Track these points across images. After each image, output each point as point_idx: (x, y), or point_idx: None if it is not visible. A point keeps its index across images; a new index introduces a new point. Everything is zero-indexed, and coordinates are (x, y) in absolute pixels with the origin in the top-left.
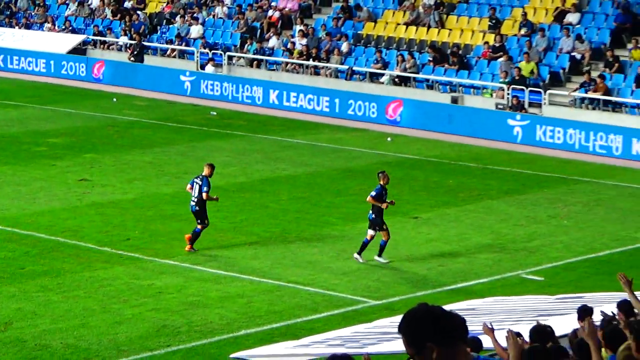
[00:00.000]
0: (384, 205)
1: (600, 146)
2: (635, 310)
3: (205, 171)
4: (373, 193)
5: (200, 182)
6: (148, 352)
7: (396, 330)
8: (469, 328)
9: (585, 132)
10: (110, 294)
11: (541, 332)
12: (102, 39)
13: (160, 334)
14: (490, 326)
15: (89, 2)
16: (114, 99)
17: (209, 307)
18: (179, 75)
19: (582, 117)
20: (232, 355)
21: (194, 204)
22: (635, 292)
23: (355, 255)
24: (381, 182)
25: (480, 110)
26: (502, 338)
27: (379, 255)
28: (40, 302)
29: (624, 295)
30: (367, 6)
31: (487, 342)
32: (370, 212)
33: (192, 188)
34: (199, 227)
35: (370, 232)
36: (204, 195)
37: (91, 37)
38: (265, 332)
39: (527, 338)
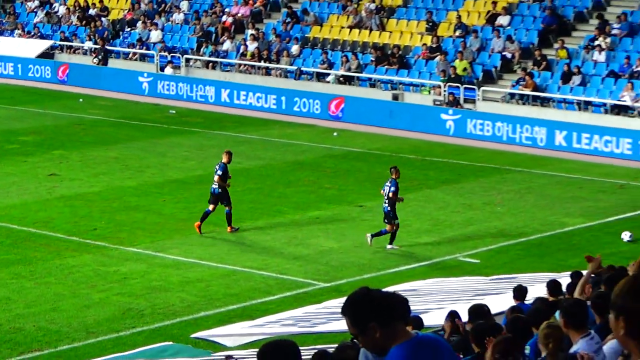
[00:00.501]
0: (400, 199)
1: (526, 137)
2: (564, 289)
3: (224, 158)
4: (394, 189)
5: (217, 168)
6: (114, 333)
7: None
8: (412, 307)
9: (512, 124)
10: (79, 280)
11: (479, 311)
12: (69, 44)
13: (125, 317)
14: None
15: (56, 10)
16: (80, 100)
17: (171, 291)
18: (138, 76)
19: (513, 112)
20: (192, 335)
21: (215, 186)
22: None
23: (368, 237)
24: (394, 177)
25: (418, 106)
26: (440, 317)
27: (372, 237)
28: (13, 288)
29: (552, 275)
30: (313, 11)
31: (427, 320)
32: (386, 205)
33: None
34: (227, 208)
35: (389, 226)
36: (216, 177)
37: (58, 42)
38: (223, 313)
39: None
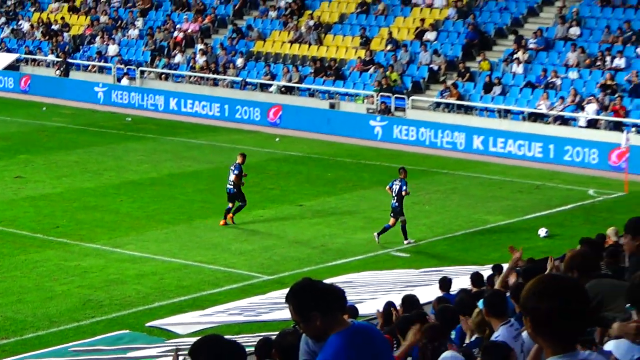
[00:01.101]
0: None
1: (446, 142)
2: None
3: (239, 159)
4: (405, 187)
5: (233, 169)
6: (75, 322)
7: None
8: (348, 298)
9: (434, 130)
10: (42, 274)
11: (411, 300)
12: (33, 57)
13: (85, 307)
14: None
15: (21, 26)
16: (44, 108)
17: (127, 284)
18: (94, 87)
19: (440, 119)
20: (147, 324)
21: (230, 186)
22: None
23: (375, 236)
24: (402, 176)
25: (351, 114)
26: (374, 306)
27: (378, 235)
28: None
29: (476, 268)
30: (257, 27)
31: (362, 309)
32: (394, 201)
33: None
34: (241, 204)
35: (393, 220)
36: (234, 177)
37: (23, 55)
38: (175, 304)
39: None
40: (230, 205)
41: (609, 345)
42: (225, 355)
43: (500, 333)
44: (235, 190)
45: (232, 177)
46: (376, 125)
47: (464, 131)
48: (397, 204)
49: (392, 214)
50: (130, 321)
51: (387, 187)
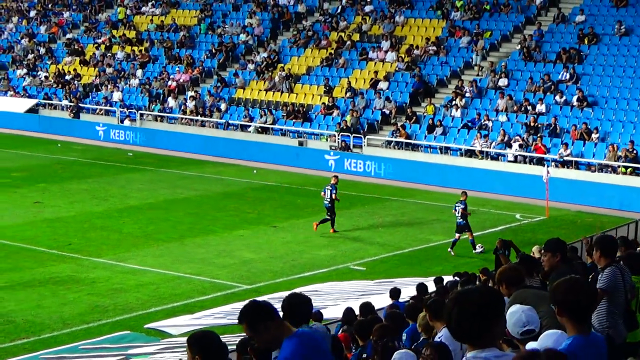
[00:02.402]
0: (469, 213)
1: (377, 171)
2: (429, 290)
3: (333, 181)
4: (462, 206)
5: (330, 188)
6: (85, 324)
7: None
8: (314, 304)
9: (377, 163)
10: (58, 283)
11: (368, 307)
12: (49, 102)
13: (94, 312)
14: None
15: (40, 75)
16: (59, 145)
17: (129, 292)
18: (95, 126)
19: (391, 155)
20: (145, 326)
21: (327, 202)
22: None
23: (450, 250)
24: (462, 198)
25: (315, 150)
26: (335, 312)
27: (474, 249)
28: (6, 290)
29: (421, 279)
30: (239, 76)
31: (326, 314)
32: (461, 219)
33: (324, 193)
34: (330, 217)
35: (457, 234)
36: (334, 196)
37: (41, 100)
38: (169, 309)
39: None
40: (327, 216)
41: (531, 346)
42: (213, 346)
43: (442, 334)
44: (330, 205)
45: (327, 194)
46: (330, 159)
47: (409, 165)
48: (463, 221)
49: (464, 230)
50: (131, 323)
51: (453, 209)
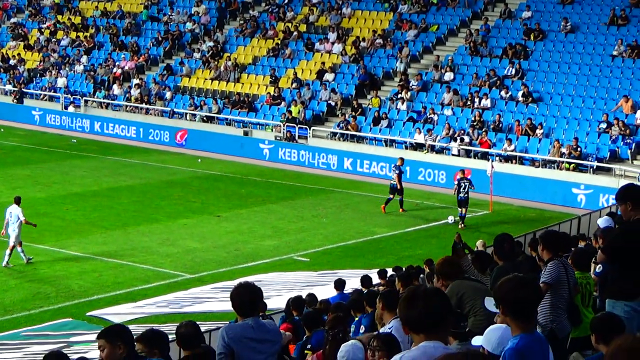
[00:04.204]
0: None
1: (322, 163)
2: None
3: (399, 162)
4: (397, 171)
5: (394, 168)
6: (27, 311)
7: (206, 294)
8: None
9: (312, 153)
10: None
11: (312, 298)
12: None
13: (35, 299)
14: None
15: None
16: (1, 130)
17: (71, 279)
18: (31, 110)
19: (336, 147)
20: (88, 314)
21: (394, 182)
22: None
23: (459, 223)
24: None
25: (259, 139)
26: (279, 302)
27: (462, 222)
28: None
29: (365, 271)
30: (185, 64)
31: (270, 304)
32: (394, 182)
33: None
34: (400, 197)
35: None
36: (395, 175)
37: None
38: (111, 297)
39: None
40: (390, 196)
41: (477, 340)
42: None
43: (392, 324)
44: (396, 185)
45: (394, 175)
46: (264, 148)
47: (353, 156)
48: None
49: (459, 205)
50: (73, 311)
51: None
